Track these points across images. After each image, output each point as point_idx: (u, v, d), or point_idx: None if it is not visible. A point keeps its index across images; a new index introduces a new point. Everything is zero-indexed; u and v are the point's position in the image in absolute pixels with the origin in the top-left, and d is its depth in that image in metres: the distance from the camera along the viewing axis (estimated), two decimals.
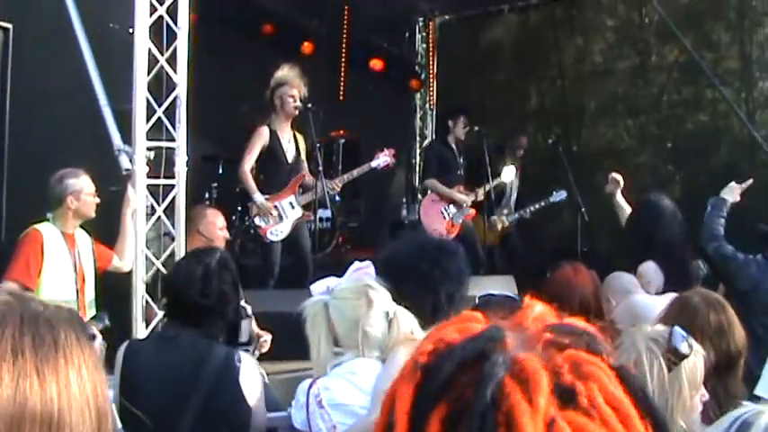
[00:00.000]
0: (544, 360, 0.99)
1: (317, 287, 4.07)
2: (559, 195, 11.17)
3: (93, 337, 3.63)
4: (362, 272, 4.15)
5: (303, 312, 3.98)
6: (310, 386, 4.00)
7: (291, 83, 9.18)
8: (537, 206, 11.32)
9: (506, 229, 11.39)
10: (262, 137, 9.07)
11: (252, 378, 4.35)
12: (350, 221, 12.37)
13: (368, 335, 3.86)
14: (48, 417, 1.10)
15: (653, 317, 4.20)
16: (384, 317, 3.85)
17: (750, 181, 6.46)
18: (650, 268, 5.82)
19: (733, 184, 6.49)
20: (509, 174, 11.12)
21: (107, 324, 4.69)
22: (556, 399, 0.97)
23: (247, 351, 5.13)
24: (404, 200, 13.48)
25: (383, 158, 10.06)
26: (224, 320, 4.48)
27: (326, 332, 3.94)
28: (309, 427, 3.95)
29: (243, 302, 5.11)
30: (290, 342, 6.86)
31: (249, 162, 8.98)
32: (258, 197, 9.01)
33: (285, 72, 9.26)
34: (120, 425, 4.05)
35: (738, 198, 6.41)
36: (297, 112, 9.23)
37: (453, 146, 11.05)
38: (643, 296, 5.44)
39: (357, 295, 3.90)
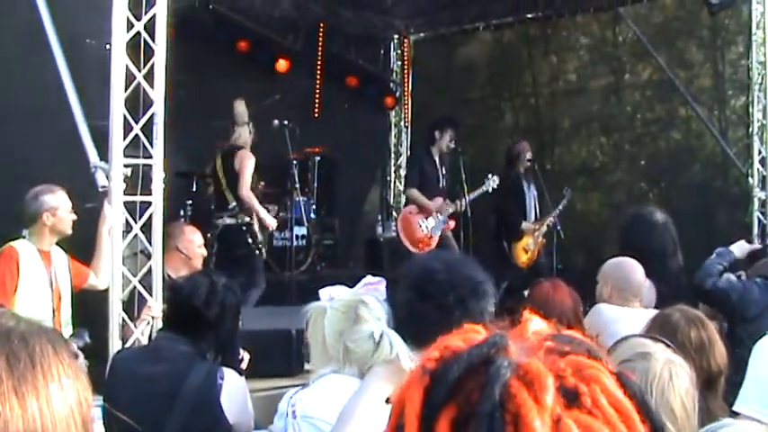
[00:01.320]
0: (547, 364, 1.02)
1: (324, 293, 4.08)
2: (567, 194, 11.18)
3: (75, 355, 3.60)
4: (372, 287, 4.13)
5: (306, 315, 3.99)
6: (292, 395, 4.02)
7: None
8: (558, 210, 11.23)
9: (541, 245, 11.32)
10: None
11: (235, 395, 4.31)
12: (325, 239, 12.34)
13: (348, 350, 3.85)
14: None
15: (617, 330, 4.22)
16: (369, 336, 3.83)
17: (759, 246, 6.48)
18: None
19: (743, 242, 6.53)
20: (492, 183, 11.07)
21: (87, 341, 4.67)
22: (561, 399, 0.99)
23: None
24: (379, 217, 13.48)
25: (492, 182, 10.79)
26: (217, 339, 4.46)
27: (322, 339, 3.95)
28: None
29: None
30: (267, 360, 6.90)
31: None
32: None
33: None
34: None
35: (744, 256, 6.44)
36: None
37: (436, 158, 11.03)
38: (609, 306, 5.46)
39: (347, 309, 3.89)
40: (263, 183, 11.29)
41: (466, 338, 1.07)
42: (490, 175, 11.02)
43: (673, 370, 2.89)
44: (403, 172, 13.79)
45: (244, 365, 6.10)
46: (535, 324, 1.10)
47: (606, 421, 0.99)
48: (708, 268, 6.00)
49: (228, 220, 9.60)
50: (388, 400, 3.80)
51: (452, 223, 11.00)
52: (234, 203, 9.59)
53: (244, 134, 9.78)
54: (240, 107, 9.88)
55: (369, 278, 4.20)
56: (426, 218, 10.86)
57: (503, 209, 11.50)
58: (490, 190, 10.99)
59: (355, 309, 3.86)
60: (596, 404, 1.00)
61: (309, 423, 3.88)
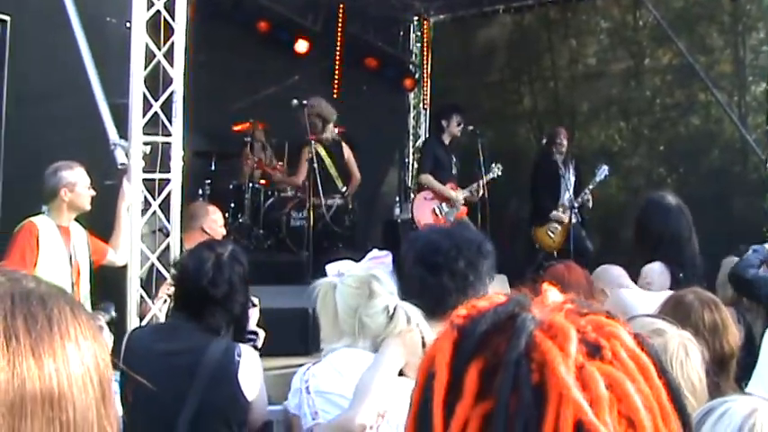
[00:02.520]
0: (569, 321, 1.06)
1: (332, 268, 4.09)
2: (602, 172, 11.12)
3: (101, 328, 3.62)
4: (378, 261, 4.15)
5: (314, 291, 4.01)
6: (306, 371, 4.04)
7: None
8: (588, 189, 11.17)
9: (567, 226, 11.25)
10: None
11: (252, 372, 4.30)
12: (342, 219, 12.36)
13: (364, 324, 3.87)
14: (48, 395, 1.11)
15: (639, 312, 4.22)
16: (384, 310, 3.87)
17: None
18: (654, 270, 5.80)
19: None
20: (496, 170, 11.06)
21: (113, 315, 4.69)
22: (583, 349, 1.04)
23: (253, 341, 5.14)
24: (396, 199, 13.49)
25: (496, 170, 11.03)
26: (230, 316, 4.44)
27: (333, 316, 3.97)
28: (300, 412, 3.99)
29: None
30: (284, 338, 6.94)
31: None
32: None
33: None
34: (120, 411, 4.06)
35: None
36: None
37: (447, 144, 11.06)
38: (630, 291, 5.45)
39: (360, 284, 3.91)
40: (281, 163, 11.34)
41: (491, 300, 1.11)
42: (494, 164, 11.09)
43: (688, 346, 2.93)
44: (419, 154, 13.80)
45: (260, 343, 6.14)
46: (554, 294, 1.13)
47: (626, 372, 1.03)
48: (748, 260, 5.97)
49: (339, 202, 10.78)
50: (401, 372, 3.84)
51: (465, 209, 11.02)
52: (345, 188, 10.91)
53: (332, 130, 10.84)
54: (329, 106, 10.95)
55: (375, 252, 4.22)
56: (441, 203, 10.90)
57: (534, 194, 11.55)
58: (496, 177, 11.06)
59: (368, 284, 3.88)
60: (617, 357, 1.04)
61: (324, 398, 3.90)
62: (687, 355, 2.90)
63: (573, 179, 11.37)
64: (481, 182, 10.81)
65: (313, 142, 10.19)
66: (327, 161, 10.71)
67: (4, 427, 1.07)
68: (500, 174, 11.03)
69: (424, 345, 3.83)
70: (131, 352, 4.44)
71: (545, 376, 1.00)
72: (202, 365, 4.19)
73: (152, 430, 4.27)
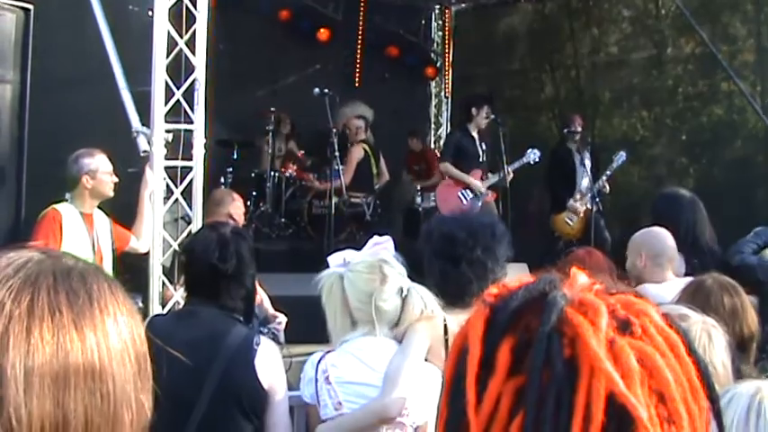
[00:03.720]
0: (599, 298, 1.07)
1: (334, 259, 4.10)
2: (620, 158, 11.09)
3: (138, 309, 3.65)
4: (381, 247, 4.16)
5: (319, 284, 4.02)
6: (320, 361, 4.03)
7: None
8: (605, 176, 11.13)
9: (587, 213, 11.23)
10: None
11: (271, 362, 4.21)
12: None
13: (380, 309, 3.89)
14: (90, 367, 1.14)
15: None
16: (398, 292, 3.88)
17: None
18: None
19: None
20: (533, 156, 11.04)
21: (139, 305, 4.67)
22: (614, 324, 1.05)
23: (275, 330, 5.16)
24: (418, 187, 13.47)
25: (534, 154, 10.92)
26: (244, 289, 4.41)
27: (342, 304, 3.97)
28: (318, 402, 3.99)
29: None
30: (303, 325, 6.95)
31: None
32: None
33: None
34: None
35: None
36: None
37: (474, 133, 11.03)
38: (654, 286, 5.44)
39: (371, 269, 3.92)
40: (302, 152, 11.38)
41: (520, 281, 1.13)
42: (531, 149, 11.03)
43: (711, 332, 2.95)
44: (443, 142, 13.79)
45: (283, 326, 6.18)
46: (582, 277, 1.14)
47: (656, 347, 1.04)
48: (739, 245, 5.96)
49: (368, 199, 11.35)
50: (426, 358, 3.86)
51: (492, 195, 11.02)
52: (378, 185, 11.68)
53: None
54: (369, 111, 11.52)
55: (376, 238, 4.24)
56: (465, 189, 10.89)
57: (550, 182, 11.55)
58: (532, 162, 10.99)
59: (379, 268, 3.90)
60: (646, 332, 1.05)
61: (349, 388, 3.91)
62: (710, 341, 2.92)
63: (589, 166, 11.34)
64: (505, 168, 10.78)
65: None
66: (372, 161, 10.84)
67: (49, 398, 1.10)
68: (537, 160, 11.01)
69: (446, 330, 3.86)
70: (150, 339, 4.47)
71: (577, 350, 1.02)
72: (221, 351, 4.16)
73: (169, 415, 4.28)
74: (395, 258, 3.98)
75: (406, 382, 3.79)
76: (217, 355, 4.15)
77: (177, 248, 6.98)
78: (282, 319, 6.18)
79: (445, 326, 3.86)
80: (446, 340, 3.86)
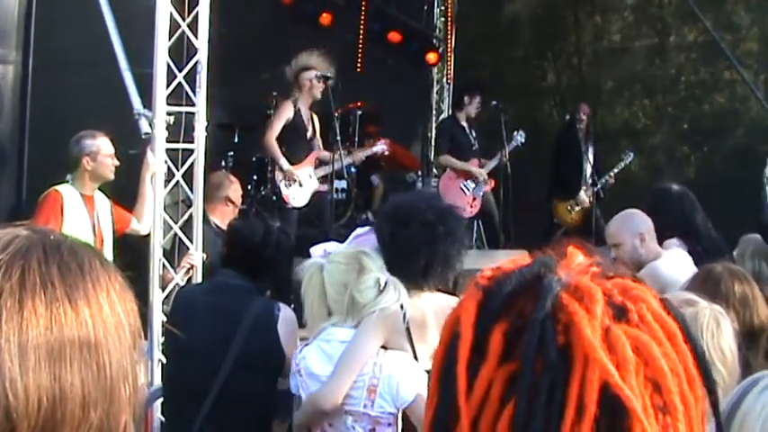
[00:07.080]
0: (595, 283, 1.05)
1: (316, 250, 4.15)
2: (628, 157, 11.10)
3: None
4: (363, 238, 4.20)
5: (300, 274, 4.09)
6: (299, 353, 4.10)
7: (320, 67, 9.73)
8: (613, 173, 11.20)
9: (590, 206, 11.28)
10: (287, 111, 9.64)
11: (289, 327, 4.58)
12: (365, 193, 12.36)
13: (354, 300, 3.91)
14: (85, 340, 1.13)
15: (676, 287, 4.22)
16: (375, 284, 3.89)
17: None
18: (672, 243, 5.81)
19: None
20: (519, 137, 11.06)
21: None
22: (609, 312, 1.03)
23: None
24: (419, 173, 13.46)
25: (380, 146, 10.74)
26: (275, 276, 4.78)
27: (320, 295, 4.02)
28: (300, 393, 4.10)
29: None
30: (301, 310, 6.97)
31: (274, 133, 9.55)
32: (285, 163, 9.56)
33: (314, 58, 9.83)
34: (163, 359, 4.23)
35: None
36: (320, 96, 9.83)
37: (464, 123, 11.04)
38: (666, 265, 5.44)
39: (349, 260, 3.96)
40: None
41: (515, 263, 1.10)
42: (516, 131, 11.12)
43: (719, 318, 2.94)
44: (435, 135, 13.77)
45: None
46: (579, 257, 1.12)
47: (653, 336, 1.03)
48: None
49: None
50: (385, 347, 3.87)
51: (492, 183, 11.02)
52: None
53: None
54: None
55: (358, 230, 4.31)
56: (466, 180, 10.90)
57: (557, 167, 11.56)
58: (520, 144, 11.09)
59: (358, 259, 3.92)
60: (643, 320, 1.03)
61: (315, 380, 3.96)
62: (718, 326, 2.91)
63: (592, 156, 11.37)
64: (503, 152, 10.80)
65: None
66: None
67: (45, 371, 1.09)
68: (523, 142, 11.03)
69: (404, 320, 3.87)
70: (179, 306, 4.94)
71: (571, 338, 1.00)
72: (246, 316, 4.48)
73: (196, 376, 4.55)
74: (375, 251, 4.00)
75: (346, 376, 3.81)
76: (240, 322, 4.47)
77: (178, 231, 6.99)
78: None
79: (404, 315, 3.86)
80: (407, 330, 3.89)
